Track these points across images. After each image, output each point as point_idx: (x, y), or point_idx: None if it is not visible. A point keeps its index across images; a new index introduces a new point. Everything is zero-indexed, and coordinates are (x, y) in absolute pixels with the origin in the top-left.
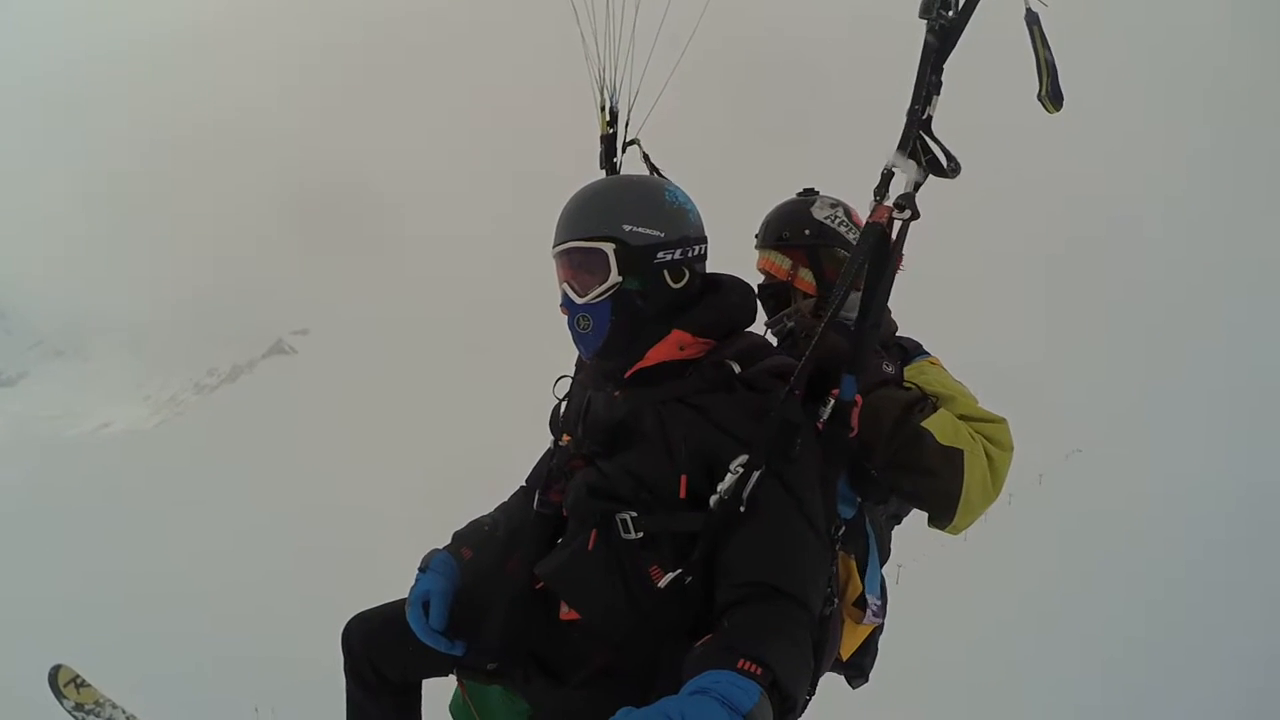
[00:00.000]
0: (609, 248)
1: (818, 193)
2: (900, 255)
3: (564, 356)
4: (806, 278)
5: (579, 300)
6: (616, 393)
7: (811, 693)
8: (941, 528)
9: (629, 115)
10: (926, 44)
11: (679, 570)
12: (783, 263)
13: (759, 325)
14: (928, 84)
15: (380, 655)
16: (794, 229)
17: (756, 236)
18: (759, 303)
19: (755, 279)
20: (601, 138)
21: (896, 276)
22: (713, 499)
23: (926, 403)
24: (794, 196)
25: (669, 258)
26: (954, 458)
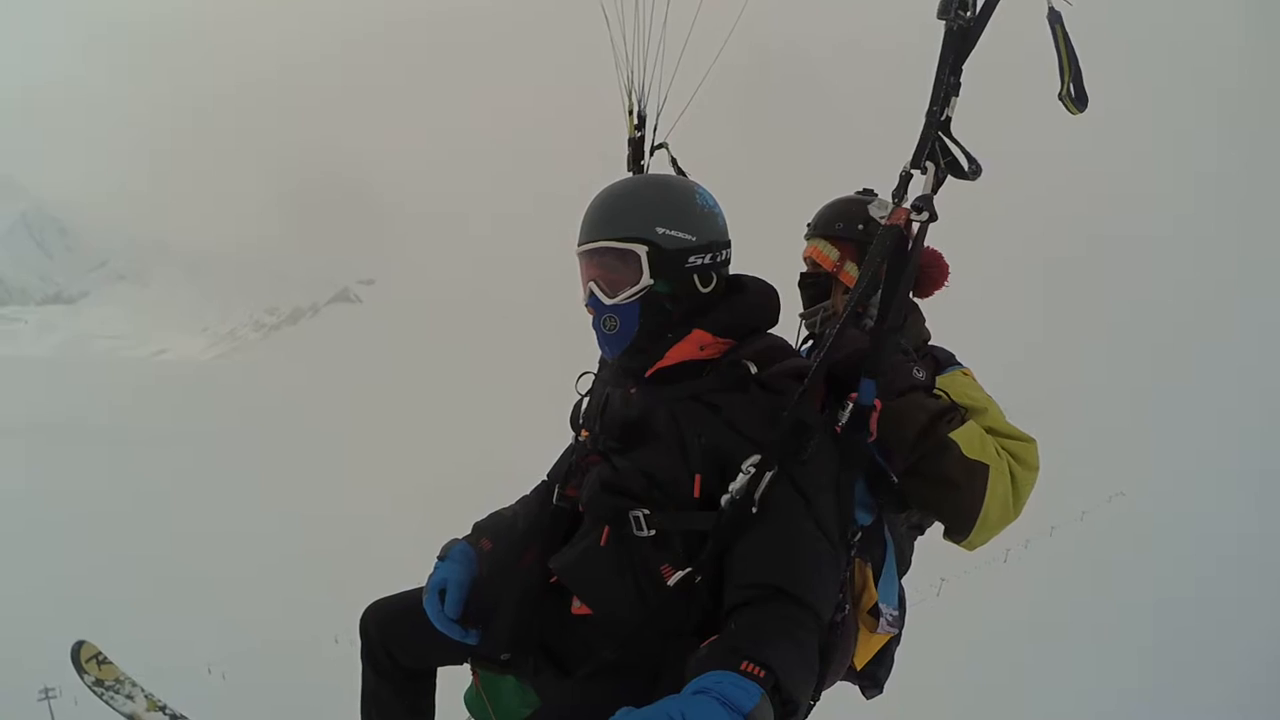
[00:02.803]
0: (642, 250)
1: (876, 194)
2: (946, 271)
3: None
4: (852, 272)
5: (608, 301)
6: (633, 389)
7: (816, 698)
8: (956, 542)
9: (657, 119)
10: (945, 45)
11: (688, 569)
12: (831, 253)
13: (789, 318)
14: (946, 85)
15: (396, 642)
16: (849, 222)
17: (808, 226)
18: (799, 291)
19: (773, 279)
20: (629, 141)
21: (938, 293)
22: (724, 499)
23: (955, 413)
24: (853, 194)
25: (699, 262)
26: (977, 472)
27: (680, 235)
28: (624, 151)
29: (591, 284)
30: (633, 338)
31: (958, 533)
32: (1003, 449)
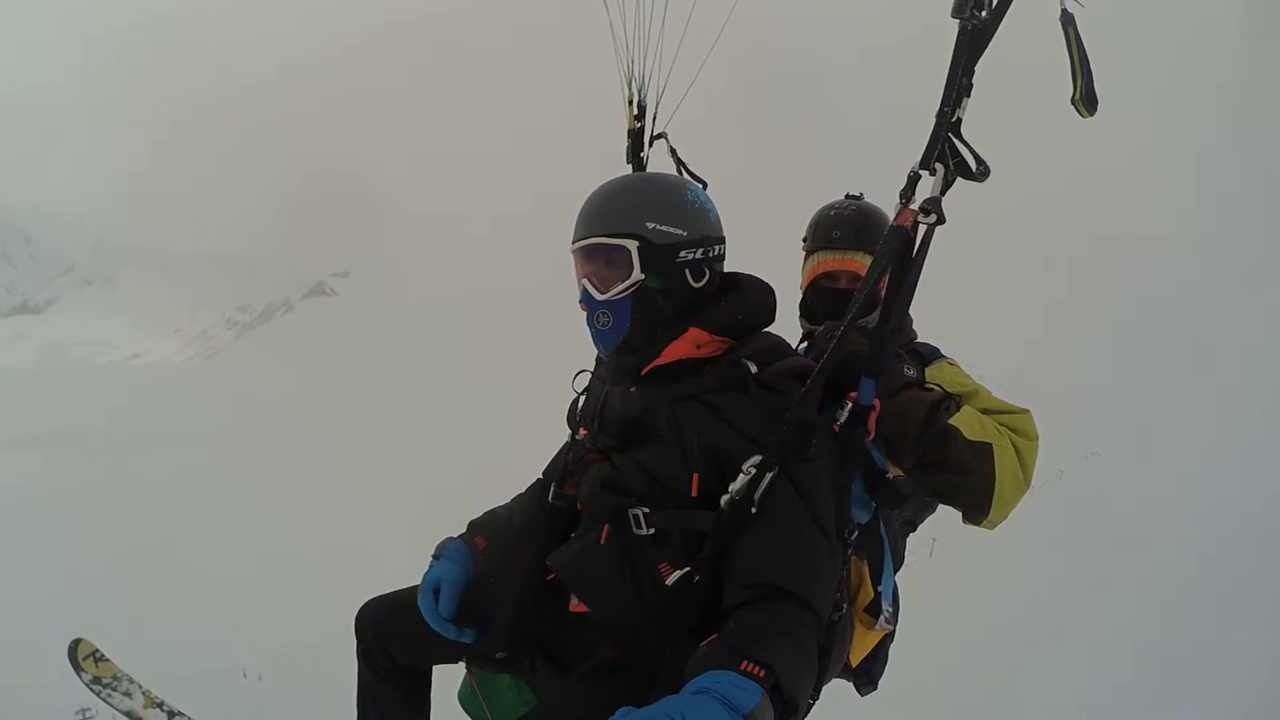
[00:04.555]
0: (632, 245)
1: (863, 196)
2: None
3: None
4: None
5: (599, 297)
6: (632, 388)
7: (815, 697)
8: (977, 523)
9: (656, 109)
10: (958, 45)
11: (687, 569)
12: None
13: (785, 316)
14: (958, 86)
15: (392, 640)
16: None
17: (821, 236)
18: (816, 302)
19: (774, 279)
20: (629, 131)
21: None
22: (724, 499)
23: (951, 401)
24: (843, 198)
25: (690, 256)
26: (984, 453)
27: (670, 230)
28: (622, 150)
29: (584, 281)
30: (625, 333)
31: (977, 514)
32: (1001, 426)
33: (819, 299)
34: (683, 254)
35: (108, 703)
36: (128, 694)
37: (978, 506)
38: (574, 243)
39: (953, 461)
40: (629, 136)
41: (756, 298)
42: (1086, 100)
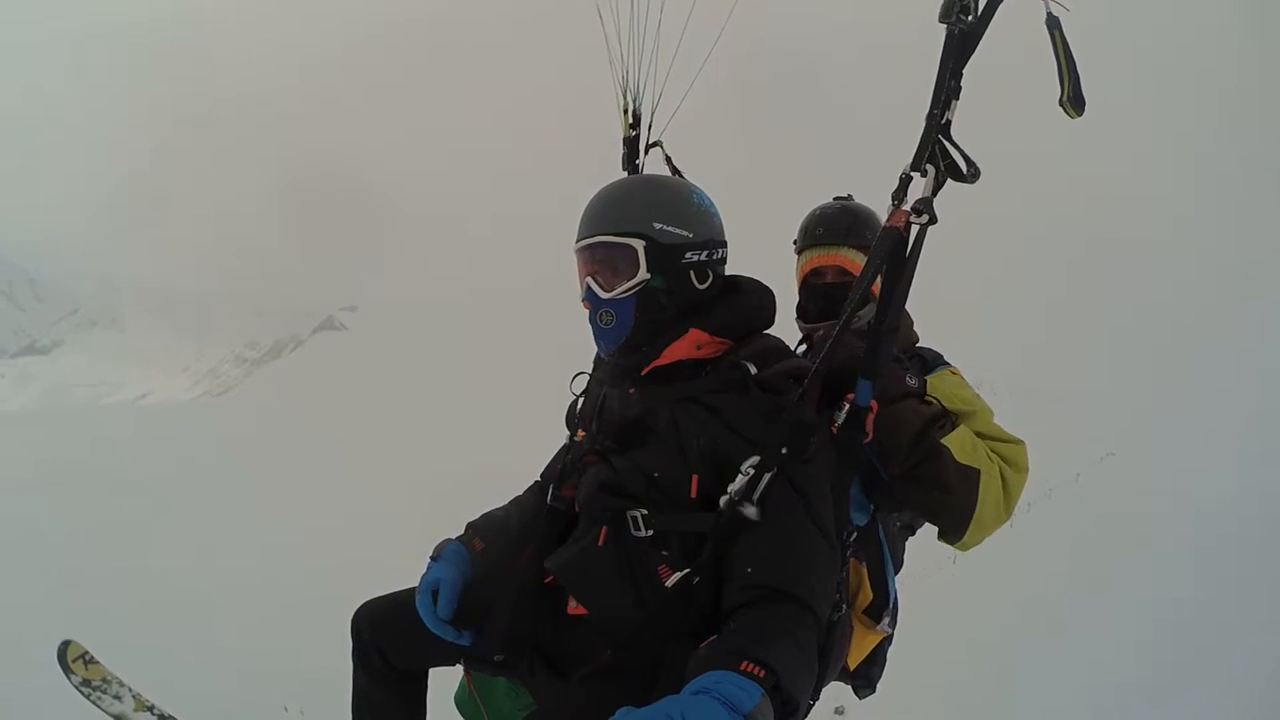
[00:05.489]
0: (639, 244)
1: (853, 198)
2: None
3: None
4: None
5: (604, 295)
6: (631, 389)
7: (815, 698)
8: (950, 543)
9: (652, 118)
10: (945, 49)
11: (686, 570)
12: (862, 262)
13: (778, 327)
14: (947, 89)
15: (388, 642)
16: (875, 231)
17: (808, 235)
18: (810, 300)
19: (773, 279)
20: (624, 140)
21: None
22: (723, 500)
23: (948, 419)
24: (833, 200)
25: (695, 258)
26: (970, 477)
27: (677, 231)
28: (621, 151)
29: (589, 279)
30: (629, 332)
31: (952, 534)
32: (993, 453)
33: (811, 297)
34: (688, 255)
35: (97, 705)
36: (117, 697)
37: (955, 528)
38: (579, 241)
39: (938, 479)
40: (625, 145)
41: (756, 300)
42: (1074, 101)
